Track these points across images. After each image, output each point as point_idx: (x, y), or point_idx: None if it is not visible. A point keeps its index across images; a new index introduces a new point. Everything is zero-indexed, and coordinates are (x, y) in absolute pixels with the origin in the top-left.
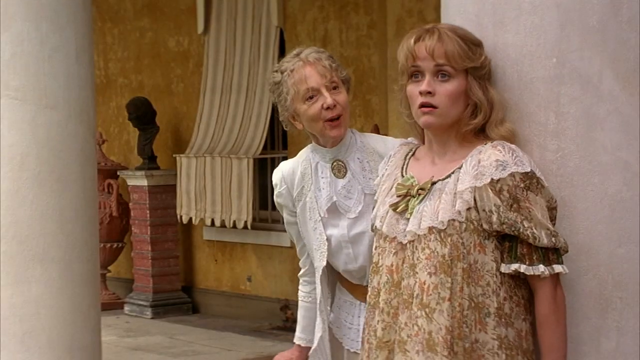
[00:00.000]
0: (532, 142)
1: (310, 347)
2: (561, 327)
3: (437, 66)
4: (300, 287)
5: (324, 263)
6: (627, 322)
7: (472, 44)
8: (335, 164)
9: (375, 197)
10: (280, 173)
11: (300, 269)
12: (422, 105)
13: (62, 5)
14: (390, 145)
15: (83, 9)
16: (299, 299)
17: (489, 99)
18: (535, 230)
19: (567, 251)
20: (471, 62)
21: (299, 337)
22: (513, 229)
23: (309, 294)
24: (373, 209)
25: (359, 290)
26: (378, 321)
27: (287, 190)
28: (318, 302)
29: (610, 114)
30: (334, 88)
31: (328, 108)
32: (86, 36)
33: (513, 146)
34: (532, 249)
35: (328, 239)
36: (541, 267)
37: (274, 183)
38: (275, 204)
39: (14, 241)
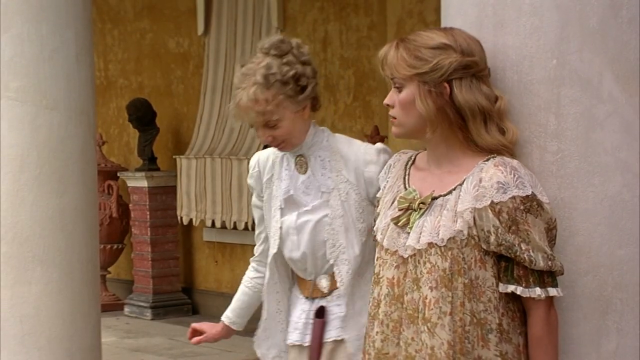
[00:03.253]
0: (532, 143)
1: (232, 330)
2: (554, 349)
3: (391, 78)
4: (247, 271)
5: (275, 250)
6: (627, 323)
7: (424, 49)
8: (298, 159)
9: (377, 210)
10: (257, 157)
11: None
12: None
13: (62, 7)
14: (355, 147)
15: (83, 10)
16: (242, 282)
17: (440, 107)
18: (532, 254)
19: (562, 274)
20: (414, 69)
21: (226, 315)
22: (510, 251)
23: (251, 279)
24: (375, 220)
25: (304, 285)
26: (377, 332)
27: (259, 175)
28: (264, 287)
29: (611, 115)
30: (272, 126)
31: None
32: (86, 37)
33: (515, 163)
34: (528, 271)
35: (281, 227)
36: (537, 290)
37: (250, 165)
38: (248, 185)
39: (14, 242)
